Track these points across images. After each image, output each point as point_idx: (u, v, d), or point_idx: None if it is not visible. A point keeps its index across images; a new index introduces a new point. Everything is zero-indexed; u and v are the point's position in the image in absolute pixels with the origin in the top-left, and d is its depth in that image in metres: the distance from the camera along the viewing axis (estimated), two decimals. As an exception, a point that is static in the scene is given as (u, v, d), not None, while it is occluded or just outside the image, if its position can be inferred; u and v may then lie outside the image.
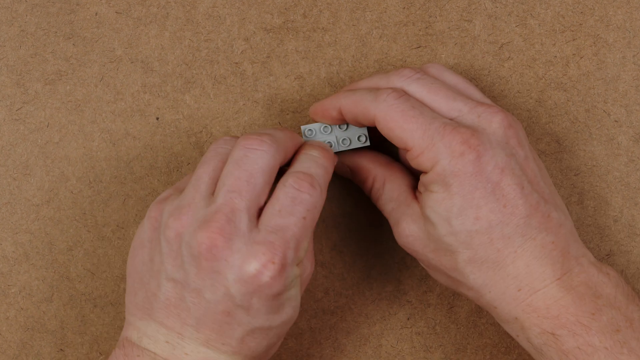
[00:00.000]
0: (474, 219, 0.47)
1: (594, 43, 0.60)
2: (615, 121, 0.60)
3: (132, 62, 0.60)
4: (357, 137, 0.55)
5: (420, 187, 0.50)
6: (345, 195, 0.60)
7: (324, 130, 0.55)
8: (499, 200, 0.47)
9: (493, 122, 0.49)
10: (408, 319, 0.60)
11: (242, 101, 0.60)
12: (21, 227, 0.60)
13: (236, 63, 0.60)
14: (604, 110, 0.60)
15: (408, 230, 0.51)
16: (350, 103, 0.51)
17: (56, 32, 0.60)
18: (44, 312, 0.60)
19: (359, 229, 0.61)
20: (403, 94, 0.50)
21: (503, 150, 0.48)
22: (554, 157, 0.60)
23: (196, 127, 0.60)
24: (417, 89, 0.51)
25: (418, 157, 0.48)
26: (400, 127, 0.49)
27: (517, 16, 0.60)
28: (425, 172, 0.49)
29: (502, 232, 0.47)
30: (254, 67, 0.60)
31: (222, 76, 0.60)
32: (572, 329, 0.46)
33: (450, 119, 0.49)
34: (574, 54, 0.60)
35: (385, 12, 0.60)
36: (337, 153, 0.55)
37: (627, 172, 0.60)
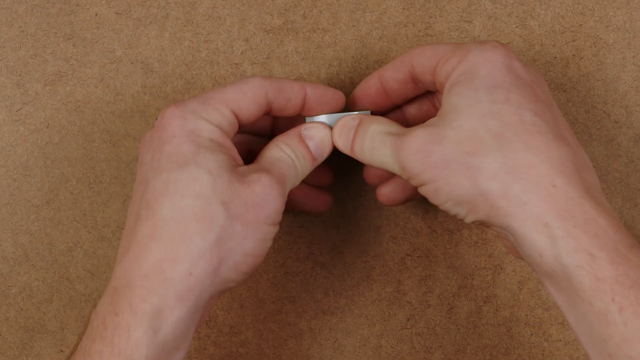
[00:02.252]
0: (505, 98, 0.44)
1: (594, 44, 0.60)
2: (615, 122, 0.60)
3: (132, 63, 0.60)
4: None
5: (437, 99, 0.51)
6: (345, 197, 0.60)
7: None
8: (530, 95, 0.45)
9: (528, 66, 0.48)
10: (408, 319, 0.60)
11: (242, 102, 0.60)
12: (21, 227, 0.60)
13: (236, 64, 0.60)
14: (604, 111, 0.60)
15: (415, 136, 0.46)
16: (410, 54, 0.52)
17: (56, 33, 0.60)
18: (44, 313, 0.60)
19: (358, 230, 0.61)
20: None
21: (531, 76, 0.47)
22: (553, 157, 0.60)
23: (196, 127, 0.60)
24: None
25: (448, 60, 0.47)
26: (432, 47, 0.49)
27: (517, 17, 0.60)
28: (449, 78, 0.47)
29: (533, 119, 0.44)
30: (254, 67, 0.60)
31: (222, 77, 0.60)
32: (612, 256, 0.40)
33: None
34: (573, 55, 0.60)
35: (385, 13, 0.60)
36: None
37: (627, 172, 0.60)
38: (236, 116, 0.48)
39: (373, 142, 0.49)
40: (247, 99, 0.48)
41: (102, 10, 0.60)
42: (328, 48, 0.60)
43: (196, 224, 0.43)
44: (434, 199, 0.46)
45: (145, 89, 0.60)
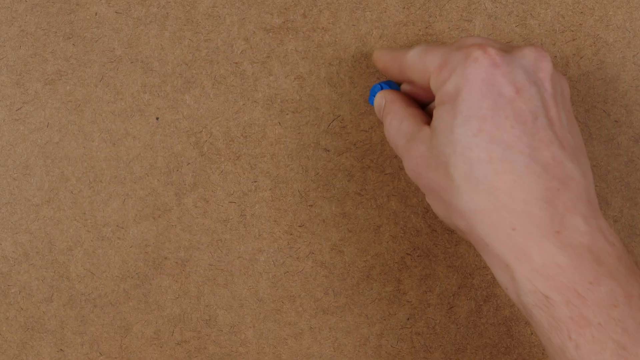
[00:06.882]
0: (477, 130, 0.43)
1: (594, 43, 0.60)
2: (615, 121, 0.60)
3: (131, 62, 0.60)
4: None
5: (435, 104, 0.48)
6: (345, 196, 0.60)
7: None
8: (507, 118, 0.43)
9: (525, 49, 0.46)
10: (408, 319, 0.60)
11: (242, 101, 0.60)
12: (21, 227, 0.60)
13: (236, 63, 0.60)
14: (604, 110, 0.60)
15: (416, 151, 0.47)
16: (388, 57, 0.53)
17: (56, 32, 0.60)
18: (43, 312, 0.60)
19: (358, 229, 0.61)
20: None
21: (526, 73, 0.45)
22: (554, 157, 0.60)
23: (196, 127, 0.60)
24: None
25: (438, 74, 0.46)
26: (422, 59, 0.48)
27: (517, 16, 0.60)
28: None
29: (503, 154, 0.43)
30: (254, 67, 0.60)
31: (222, 76, 0.60)
32: (567, 297, 0.41)
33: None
34: (573, 54, 0.60)
35: (385, 12, 0.60)
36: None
37: (627, 172, 0.60)
38: None
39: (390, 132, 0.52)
40: None
41: (102, 9, 0.60)
42: (328, 47, 0.60)
43: None
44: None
45: (145, 88, 0.60)
